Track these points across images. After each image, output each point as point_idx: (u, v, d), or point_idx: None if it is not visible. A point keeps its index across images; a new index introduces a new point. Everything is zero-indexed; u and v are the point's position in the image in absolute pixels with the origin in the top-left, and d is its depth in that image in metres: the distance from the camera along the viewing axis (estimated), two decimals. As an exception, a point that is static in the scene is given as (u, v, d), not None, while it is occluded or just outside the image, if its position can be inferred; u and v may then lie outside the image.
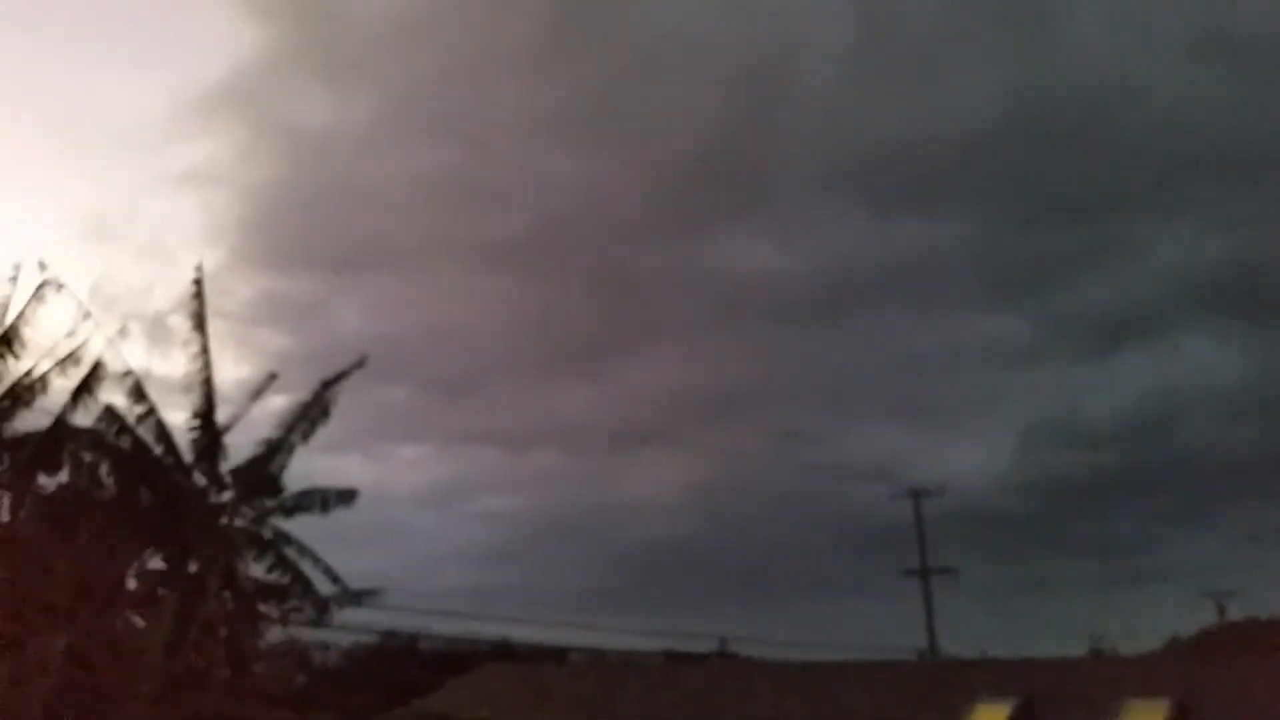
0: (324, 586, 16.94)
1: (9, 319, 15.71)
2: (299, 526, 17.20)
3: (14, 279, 15.94)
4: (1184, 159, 62.06)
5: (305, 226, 65.34)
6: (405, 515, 58.19)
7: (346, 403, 17.56)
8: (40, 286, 15.74)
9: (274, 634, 18.24)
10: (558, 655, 30.01)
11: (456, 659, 31.04)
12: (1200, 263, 67.00)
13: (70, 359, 15.83)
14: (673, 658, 31.55)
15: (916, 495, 40.81)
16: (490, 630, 32.32)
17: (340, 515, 17.41)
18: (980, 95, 61.19)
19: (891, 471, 71.95)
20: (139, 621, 16.46)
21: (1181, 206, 67.69)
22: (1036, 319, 71.99)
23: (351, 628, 20.44)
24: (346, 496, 17.23)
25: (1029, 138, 63.31)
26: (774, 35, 62.12)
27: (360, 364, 17.18)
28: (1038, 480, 70.37)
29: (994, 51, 65.18)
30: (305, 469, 17.52)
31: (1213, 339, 74.26)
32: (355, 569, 17.59)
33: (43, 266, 15.91)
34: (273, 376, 17.56)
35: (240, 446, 16.91)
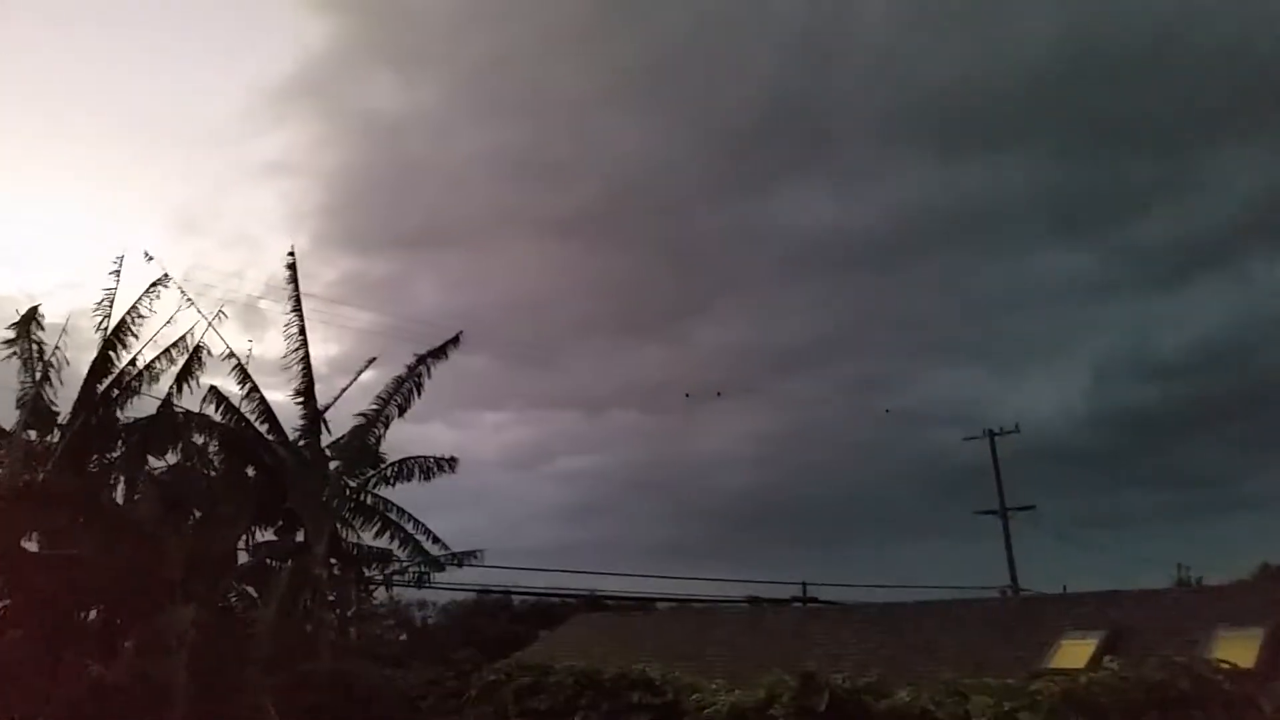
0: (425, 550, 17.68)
1: (116, 312, 16.59)
2: (395, 494, 17.91)
3: (117, 273, 16.80)
4: (1253, 83, 59.62)
5: (381, 209, 67.04)
6: (491, 478, 59.77)
7: (433, 374, 18.10)
8: (154, 284, 16.51)
9: (378, 596, 19.07)
10: (645, 605, 30.78)
11: (548, 612, 32.03)
12: (1272, 189, 64.65)
13: (175, 346, 16.69)
14: (756, 604, 32.12)
15: (992, 435, 40.57)
16: (578, 584, 33.28)
17: (431, 481, 18.01)
18: (1038, 31, 59.33)
19: (966, 413, 71.57)
20: (252, 592, 17.39)
21: (1252, 132, 65.18)
22: (1105, 254, 70.39)
23: (448, 586, 21.18)
24: (448, 463, 17.76)
25: (1090, 71, 61.36)
26: (829, -12, 60.97)
27: (456, 339, 17.70)
28: (1113, 415, 69.28)
29: (1049, -14, 63.04)
30: (394, 438, 18.18)
31: (1287, 265, 71.72)
32: (448, 531, 18.27)
33: (149, 258, 16.71)
34: (372, 360, 18.18)
35: (336, 421, 17.65)
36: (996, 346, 76.01)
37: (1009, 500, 40.05)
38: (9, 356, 16.78)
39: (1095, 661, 12.88)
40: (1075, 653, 14.52)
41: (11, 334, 16.90)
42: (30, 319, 16.90)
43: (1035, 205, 70.19)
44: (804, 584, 36.58)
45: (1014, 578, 38.78)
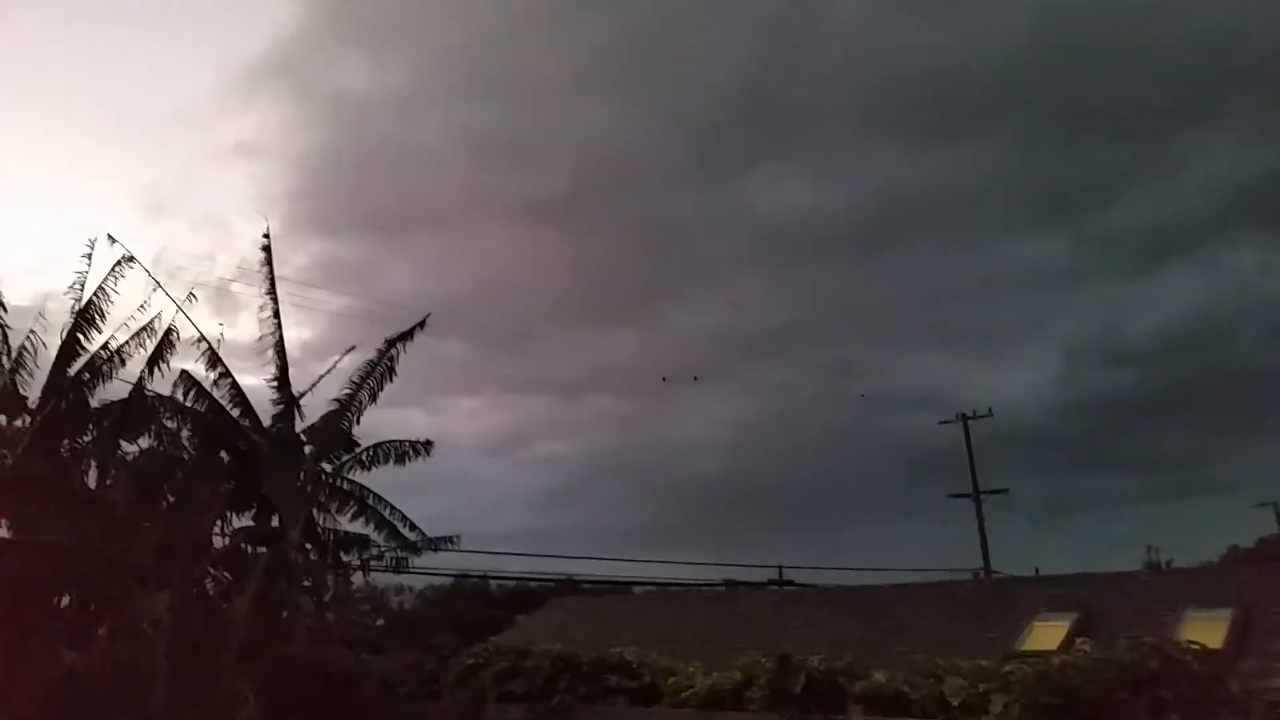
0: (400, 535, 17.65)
1: (86, 295, 16.37)
2: (371, 478, 17.85)
3: (88, 256, 16.57)
4: (1222, 71, 60.25)
5: (353, 191, 66.80)
6: (467, 463, 59.90)
7: (404, 358, 18.02)
8: (116, 264, 16.32)
9: (354, 581, 19.02)
10: (622, 589, 30.91)
11: (525, 596, 32.11)
12: (1241, 176, 65.41)
13: (145, 330, 16.51)
14: (732, 587, 32.34)
15: (965, 419, 40.97)
16: (555, 568, 33.40)
17: (407, 466, 17.95)
18: (1010, 19, 59.76)
19: (939, 398, 72.32)
20: (226, 577, 17.29)
21: (1221, 120, 65.90)
22: (1076, 240, 71.22)
23: (426, 572, 21.15)
24: (422, 447, 17.72)
25: (1060, 59, 62.05)
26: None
27: (423, 323, 17.63)
28: (1085, 400, 70.17)
29: (1020, -26, 63.41)
30: (369, 423, 18.06)
31: (1257, 251, 72.78)
32: (424, 516, 18.21)
33: (112, 241, 16.48)
34: (351, 348, 18.03)
35: (310, 406, 17.55)
36: (969, 332, 76.82)
37: (982, 484, 40.54)
38: None
39: (1067, 643, 13.08)
40: (1048, 635, 14.76)
41: None
42: None
43: (1007, 192, 70.98)
44: (779, 568, 36.90)
45: (987, 560, 39.33)
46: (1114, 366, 73.22)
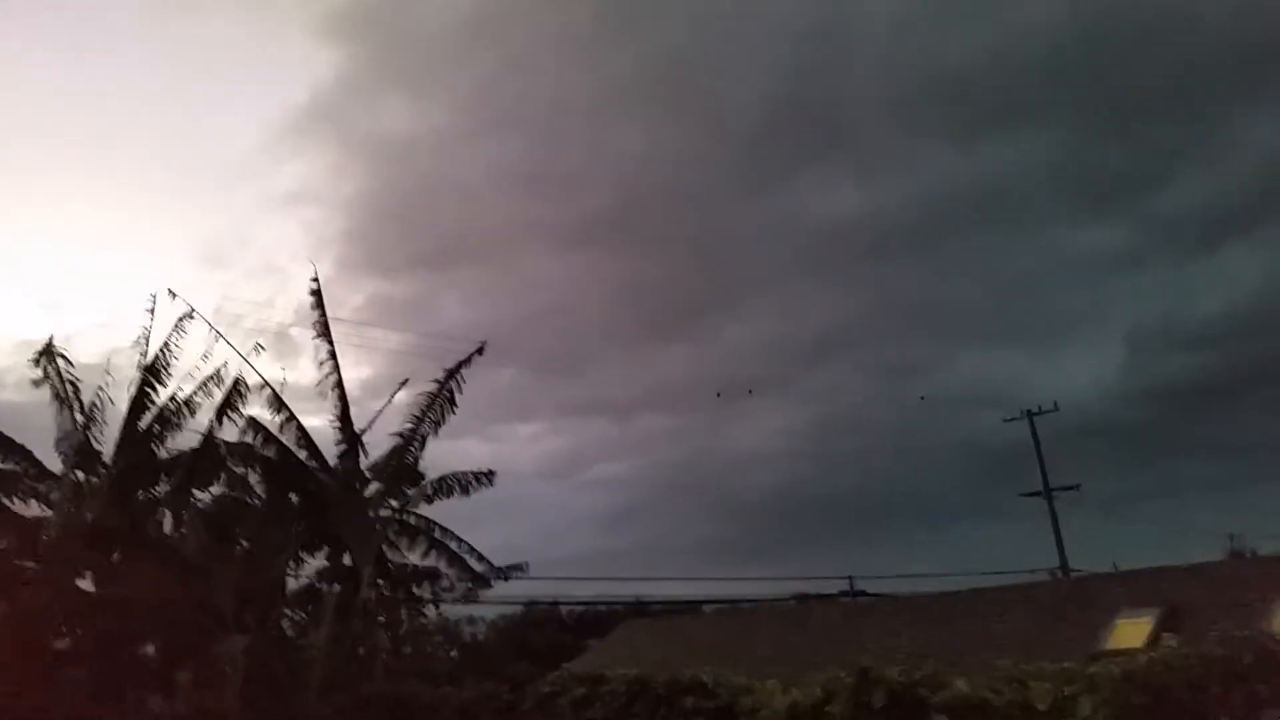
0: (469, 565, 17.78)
1: (151, 349, 16.80)
2: (435, 510, 18.01)
3: (151, 310, 17.01)
4: (1272, 44, 58.69)
5: (402, 230, 67.94)
6: (528, 489, 60.07)
7: (462, 388, 18.15)
8: (180, 319, 16.74)
9: (426, 615, 19.16)
10: (692, 608, 30.74)
11: (595, 620, 32.10)
12: (1294, 150, 63.46)
13: (211, 379, 16.87)
14: (803, 600, 31.99)
15: (1031, 415, 40.07)
16: (623, 590, 33.34)
17: (470, 496, 18.06)
18: (1047, 5, 58.89)
19: (1003, 394, 70.87)
20: (303, 617, 17.54)
21: (1272, 93, 64.18)
22: (1133, 225, 69.56)
23: (496, 601, 21.25)
24: (486, 477, 17.84)
25: (1103, 41, 60.74)
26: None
27: (480, 349, 17.82)
28: (1152, 387, 68.38)
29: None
30: (430, 455, 18.24)
31: (1318, 225, 70.44)
32: (489, 545, 18.35)
33: (173, 296, 16.92)
34: (404, 381, 18.29)
35: (372, 443, 17.77)
36: (1028, 325, 75.41)
37: (1052, 480, 39.58)
38: (50, 395, 16.92)
39: (1154, 640, 12.72)
40: (1132, 632, 14.35)
41: (39, 373, 17.03)
42: (48, 352, 17.04)
43: (1059, 181, 69.57)
44: (850, 578, 36.41)
45: (1063, 558, 38.34)
46: (1181, 351, 71.16)
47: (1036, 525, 39.47)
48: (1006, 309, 74.14)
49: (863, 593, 34.46)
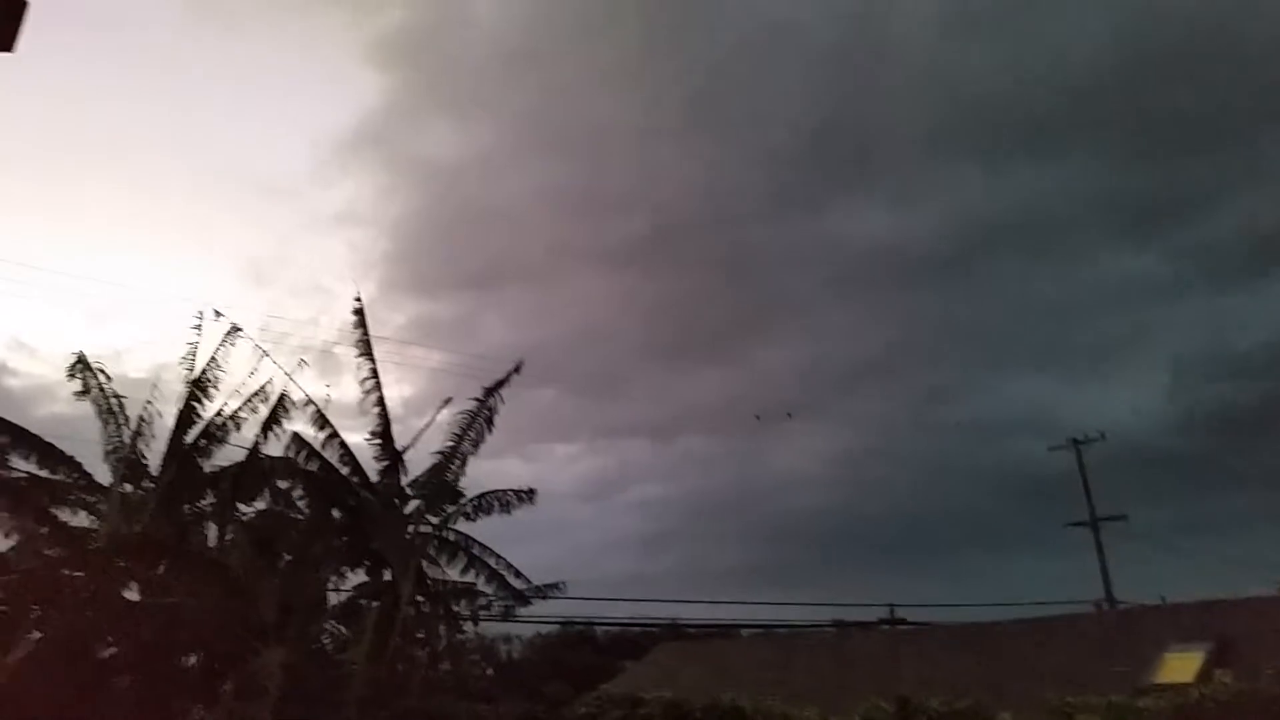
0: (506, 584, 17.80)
1: (198, 365, 17.11)
2: (475, 528, 18.08)
3: (198, 327, 17.34)
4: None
5: (445, 252, 69.05)
6: (566, 509, 60.27)
7: (501, 408, 18.24)
8: (227, 334, 17.06)
9: (464, 631, 19.20)
10: (728, 632, 30.53)
11: (631, 642, 31.99)
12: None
13: (256, 395, 17.14)
14: (842, 627, 31.64)
15: (1077, 444, 39.45)
16: (660, 612, 33.22)
17: (510, 515, 18.10)
18: (1085, 32, 58.44)
19: (1042, 421, 69.95)
20: (343, 632, 17.66)
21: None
22: (1173, 252, 68.44)
23: (533, 620, 21.25)
24: (527, 495, 17.87)
25: (1141, 67, 60.03)
26: (863, 3, 61.19)
27: (518, 368, 17.91)
28: (1199, 416, 66.95)
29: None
30: (470, 474, 18.26)
31: (1361, 254, 68.79)
32: (526, 564, 18.33)
33: (218, 315, 17.23)
34: (447, 400, 18.39)
35: (413, 461, 17.90)
36: (1069, 351, 74.35)
37: (1099, 509, 38.88)
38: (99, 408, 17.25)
39: (1204, 674, 12.44)
40: (1181, 666, 14.06)
41: (79, 385, 17.39)
42: (83, 363, 17.39)
43: (1098, 208, 68.81)
44: (891, 606, 35.95)
45: (1109, 590, 37.59)
46: (1228, 379, 69.65)
47: (1082, 556, 38.79)
48: (1044, 335, 73.31)
49: (903, 621, 34.00)
